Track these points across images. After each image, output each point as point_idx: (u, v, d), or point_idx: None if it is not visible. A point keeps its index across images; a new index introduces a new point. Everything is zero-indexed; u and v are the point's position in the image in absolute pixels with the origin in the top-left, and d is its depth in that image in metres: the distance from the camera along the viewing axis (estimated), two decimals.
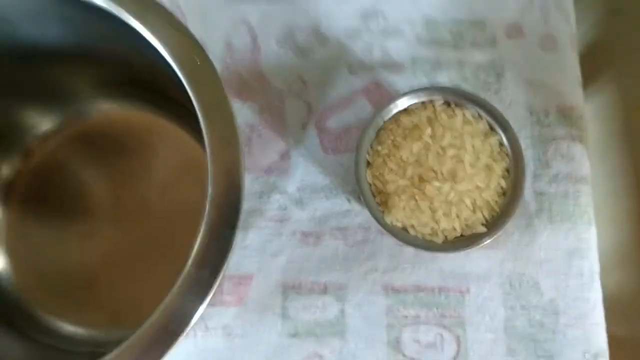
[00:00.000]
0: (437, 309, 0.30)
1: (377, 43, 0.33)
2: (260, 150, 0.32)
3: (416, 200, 0.25)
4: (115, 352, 0.17)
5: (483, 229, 0.25)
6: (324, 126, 0.32)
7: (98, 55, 0.22)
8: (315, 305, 0.29)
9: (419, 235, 0.26)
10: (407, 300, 0.30)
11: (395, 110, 0.27)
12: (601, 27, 0.49)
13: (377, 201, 0.26)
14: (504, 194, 0.26)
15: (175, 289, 0.17)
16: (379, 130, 0.27)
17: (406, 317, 0.30)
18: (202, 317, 0.31)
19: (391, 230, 0.26)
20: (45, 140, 0.25)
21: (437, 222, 0.25)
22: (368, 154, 0.26)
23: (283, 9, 0.33)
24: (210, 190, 0.18)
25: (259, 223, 0.31)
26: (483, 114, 0.26)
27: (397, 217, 0.26)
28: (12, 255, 0.24)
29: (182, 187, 0.25)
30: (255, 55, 0.33)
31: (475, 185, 0.25)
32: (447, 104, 0.27)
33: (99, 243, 0.25)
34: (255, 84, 0.33)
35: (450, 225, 0.25)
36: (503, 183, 0.26)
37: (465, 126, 0.26)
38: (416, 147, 0.25)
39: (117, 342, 0.18)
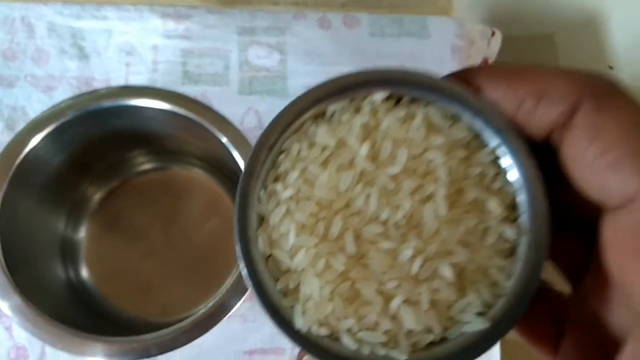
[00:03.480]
0: None
1: None
2: None
3: (352, 282, 0.15)
4: (180, 324, 0.26)
5: (482, 323, 0.14)
6: None
7: (187, 138, 0.34)
8: None
9: (364, 349, 0.15)
10: None
11: (304, 118, 0.16)
12: None
13: (279, 289, 0.15)
14: (511, 252, 0.15)
15: (222, 290, 0.26)
16: (278, 154, 0.16)
17: None
18: None
19: (309, 344, 0.14)
20: (128, 181, 0.36)
21: (395, 318, 0.14)
22: (259, 200, 0.15)
23: (280, 101, 0.46)
24: None
25: None
26: (461, 111, 0.15)
27: (318, 316, 0.15)
28: (92, 267, 0.34)
29: (211, 221, 0.35)
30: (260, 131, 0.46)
31: (458, 240, 0.15)
32: (395, 99, 0.16)
33: (154, 259, 0.35)
34: None
35: (422, 323, 0.14)
36: (509, 232, 0.15)
37: (431, 136, 0.15)
38: (345, 180, 0.15)
39: (167, 326, 0.27)
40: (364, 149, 0.15)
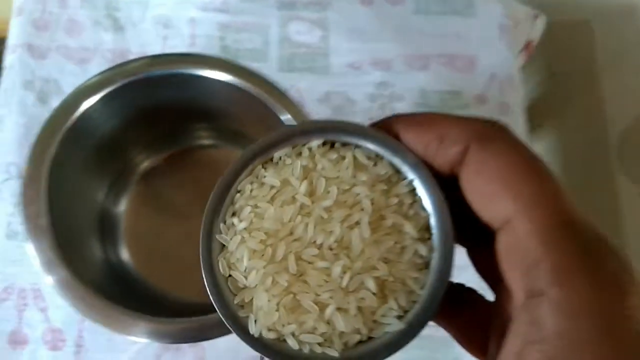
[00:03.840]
0: None
1: (387, 104, 0.41)
2: None
3: (294, 294, 0.18)
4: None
5: (400, 325, 0.18)
6: None
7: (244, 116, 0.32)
8: None
9: (305, 348, 0.18)
10: None
11: (255, 163, 0.19)
12: (543, 86, 0.63)
13: (237, 303, 0.18)
14: (425, 265, 0.18)
15: None
16: (235, 194, 0.19)
17: None
18: None
19: (261, 346, 0.18)
20: (176, 155, 0.34)
21: (329, 323, 0.18)
22: (220, 231, 0.19)
23: (321, 79, 0.40)
24: None
25: None
26: (382, 152, 0.18)
27: (267, 323, 0.18)
28: (130, 246, 0.33)
29: None
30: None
31: (380, 257, 0.18)
32: (330, 144, 0.19)
33: (193, 240, 0.35)
34: None
35: (351, 326, 0.17)
36: (422, 250, 0.18)
37: (358, 173, 0.18)
38: (288, 213, 0.18)
39: (210, 311, 0.25)
40: (303, 187, 0.18)
